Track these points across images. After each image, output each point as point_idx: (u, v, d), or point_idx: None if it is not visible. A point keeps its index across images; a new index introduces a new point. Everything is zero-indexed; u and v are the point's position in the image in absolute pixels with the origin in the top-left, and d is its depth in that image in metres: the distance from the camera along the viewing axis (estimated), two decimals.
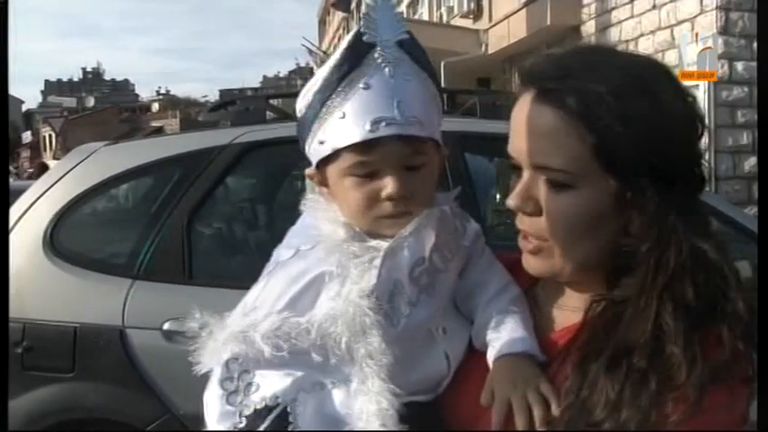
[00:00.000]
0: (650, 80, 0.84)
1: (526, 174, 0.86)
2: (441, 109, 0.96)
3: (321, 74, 0.90)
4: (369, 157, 0.86)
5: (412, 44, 0.90)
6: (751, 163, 8.13)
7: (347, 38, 0.89)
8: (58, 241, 2.59)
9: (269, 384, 0.83)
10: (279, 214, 3.53)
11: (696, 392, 0.74)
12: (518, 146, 0.87)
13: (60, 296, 2.56)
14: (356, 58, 0.87)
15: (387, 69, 0.86)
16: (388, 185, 0.87)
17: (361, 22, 0.88)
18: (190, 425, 2.37)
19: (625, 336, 0.79)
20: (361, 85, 0.86)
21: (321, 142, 0.89)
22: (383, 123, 0.85)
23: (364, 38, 0.87)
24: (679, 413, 0.74)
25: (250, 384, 0.83)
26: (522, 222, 0.88)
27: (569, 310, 0.92)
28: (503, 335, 0.89)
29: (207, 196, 2.69)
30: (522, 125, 0.86)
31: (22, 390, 2.39)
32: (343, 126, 0.86)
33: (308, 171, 0.94)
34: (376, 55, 0.86)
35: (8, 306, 1.14)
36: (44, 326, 2.47)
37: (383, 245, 0.87)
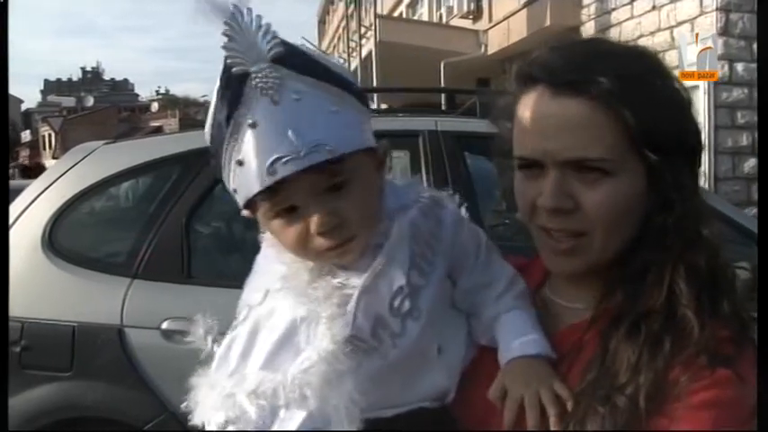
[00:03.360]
0: (657, 63, 0.88)
1: (553, 172, 0.84)
2: (358, 109, 0.83)
3: (209, 119, 0.80)
4: (280, 198, 0.79)
5: (294, 57, 0.77)
6: (750, 164, 8.13)
7: (220, 74, 0.78)
8: (56, 240, 2.58)
9: None
10: None
11: (706, 357, 0.76)
12: (540, 145, 0.84)
13: (58, 295, 2.55)
14: (233, 94, 0.76)
15: (268, 97, 0.75)
16: (312, 222, 0.79)
17: (225, 53, 0.75)
18: (188, 424, 2.36)
19: (643, 303, 0.82)
20: (247, 123, 0.76)
21: (234, 191, 0.82)
22: (281, 162, 0.75)
23: (233, 70, 0.75)
24: (690, 375, 0.76)
25: None
26: (556, 222, 0.85)
27: (578, 308, 0.92)
28: (514, 336, 0.88)
29: (206, 195, 2.68)
30: (543, 123, 0.84)
31: (20, 389, 2.39)
32: (243, 174, 0.78)
33: (243, 213, 0.85)
34: (252, 84, 0.75)
35: (8, 305, 1.13)
36: (42, 325, 2.46)
37: (354, 281, 0.82)
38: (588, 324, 0.87)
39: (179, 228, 2.58)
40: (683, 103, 0.87)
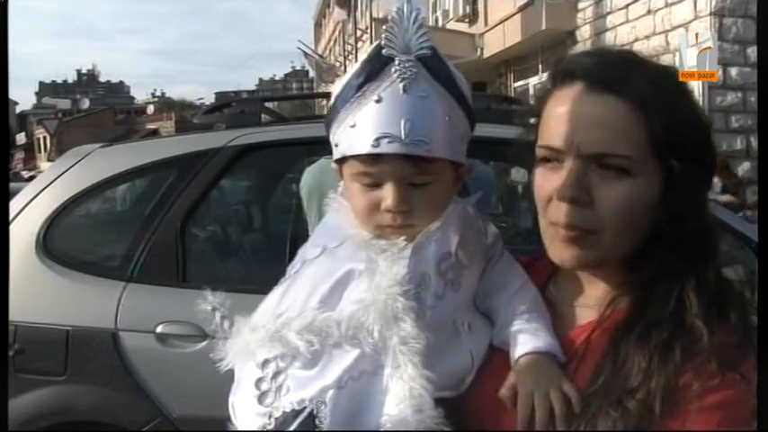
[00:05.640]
0: (686, 84, 0.92)
1: (574, 163, 0.86)
2: (464, 127, 0.94)
3: (344, 80, 0.91)
4: (372, 169, 0.88)
5: (434, 60, 0.88)
6: (744, 168, 8.18)
7: (369, 49, 0.91)
8: (51, 243, 2.57)
9: (299, 387, 0.85)
10: (273, 217, 3.52)
11: (716, 362, 0.79)
12: (568, 136, 0.86)
13: (53, 298, 2.54)
14: (373, 70, 0.87)
15: (401, 85, 0.86)
16: (387, 199, 0.88)
17: (383, 35, 0.87)
18: (182, 427, 2.36)
19: (652, 311, 0.84)
20: (374, 98, 0.86)
21: (336, 145, 0.92)
22: (386, 140, 0.85)
23: (383, 51, 0.87)
24: (701, 380, 0.78)
25: (281, 387, 0.86)
26: (569, 215, 0.86)
27: (584, 308, 0.93)
28: (526, 334, 0.90)
29: (201, 199, 2.68)
30: (574, 116, 0.86)
31: (14, 392, 2.37)
32: (352, 135, 0.88)
33: (332, 165, 0.97)
34: (393, 69, 0.86)
35: (8, 307, 1.13)
36: (36, 328, 2.45)
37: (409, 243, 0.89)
38: (594, 326, 0.89)
39: (174, 231, 2.57)
40: (705, 125, 0.90)
